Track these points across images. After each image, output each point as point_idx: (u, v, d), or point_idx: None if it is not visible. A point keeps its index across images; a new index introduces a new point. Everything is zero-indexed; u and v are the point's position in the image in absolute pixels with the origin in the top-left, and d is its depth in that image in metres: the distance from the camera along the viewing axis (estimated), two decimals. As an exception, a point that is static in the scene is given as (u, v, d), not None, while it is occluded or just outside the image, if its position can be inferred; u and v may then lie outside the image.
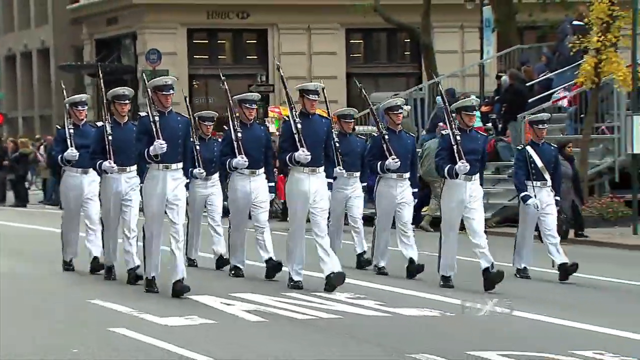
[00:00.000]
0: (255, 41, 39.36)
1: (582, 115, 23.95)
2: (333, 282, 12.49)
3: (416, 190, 14.73)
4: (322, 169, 12.78)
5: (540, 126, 14.50)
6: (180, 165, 12.31)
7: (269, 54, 38.37)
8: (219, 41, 39.63)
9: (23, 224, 25.73)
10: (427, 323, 11.05)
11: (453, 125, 13.04)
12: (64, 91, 15.53)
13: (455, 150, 12.82)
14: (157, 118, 11.99)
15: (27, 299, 12.65)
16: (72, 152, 14.04)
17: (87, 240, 14.66)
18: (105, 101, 13.63)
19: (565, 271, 14.14)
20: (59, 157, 14.27)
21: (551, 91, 25.55)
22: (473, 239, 13.14)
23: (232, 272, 14.33)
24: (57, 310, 11.93)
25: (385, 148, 14.07)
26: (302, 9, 37.69)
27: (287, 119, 13.06)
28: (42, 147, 35.97)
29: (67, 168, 14.42)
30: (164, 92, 12.24)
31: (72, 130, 14.19)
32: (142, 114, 12.28)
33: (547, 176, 14.10)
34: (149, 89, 12.25)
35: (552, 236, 14.29)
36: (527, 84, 25.51)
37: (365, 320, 11.18)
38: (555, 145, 15.44)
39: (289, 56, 37.10)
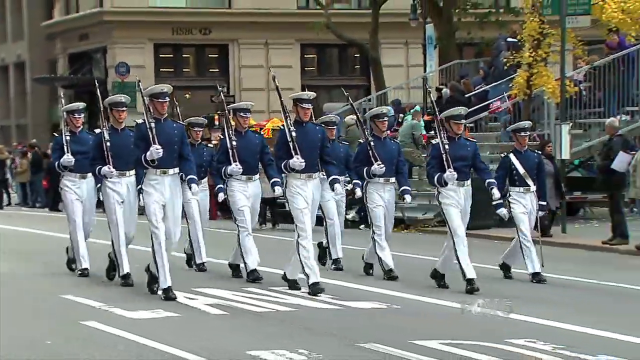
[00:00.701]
0: (217, 55, 39.31)
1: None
2: (318, 291, 12.09)
3: (408, 187, 14.19)
4: (317, 174, 12.36)
5: (522, 134, 13.92)
6: (177, 170, 11.84)
7: (229, 67, 38.40)
8: (183, 55, 39.57)
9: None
10: (376, 315, 11.05)
11: (442, 135, 12.55)
12: (62, 100, 15.02)
13: (444, 159, 12.36)
14: (153, 125, 11.58)
15: (1, 294, 12.50)
16: (67, 158, 13.49)
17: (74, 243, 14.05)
18: (102, 109, 13.19)
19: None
20: (56, 163, 13.73)
21: (488, 102, 25.72)
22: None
23: (249, 278, 13.37)
24: (31, 304, 11.82)
25: (371, 154, 13.55)
26: (260, 26, 37.66)
27: (280, 127, 12.71)
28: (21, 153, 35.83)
29: (65, 173, 13.79)
30: (159, 100, 11.83)
31: (68, 137, 13.64)
32: (139, 120, 11.85)
33: (530, 182, 13.62)
34: (144, 97, 11.86)
35: (526, 242, 13.63)
36: (466, 95, 25.62)
37: (319, 312, 11.18)
38: (539, 152, 14.98)
39: (249, 69, 37.22)
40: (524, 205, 13.57)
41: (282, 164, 12.08)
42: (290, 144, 11.95)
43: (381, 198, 13.73)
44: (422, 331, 9.96)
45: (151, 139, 11.47)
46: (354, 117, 12.53)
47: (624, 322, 10.59)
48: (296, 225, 12.18)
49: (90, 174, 13.50)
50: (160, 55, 38.65)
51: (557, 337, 9.56)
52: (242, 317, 11.05)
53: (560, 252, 17.48)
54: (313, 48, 38.74)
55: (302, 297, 11.99)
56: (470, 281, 12.39)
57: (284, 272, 12.68)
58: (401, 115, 26.82)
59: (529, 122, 15.72)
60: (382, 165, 13.43)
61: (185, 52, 39.38)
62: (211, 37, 38.40)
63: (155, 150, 11.39)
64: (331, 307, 11.52)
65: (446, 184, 12.40)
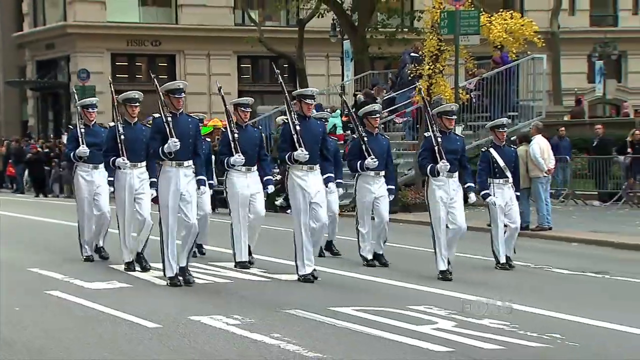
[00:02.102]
0: (166, 64, 39.12)
1: (417, 126, 24.30)
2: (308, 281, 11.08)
3: (392, 187, 13.07)
4: (318, 166, 11.30)
5: (501, 129, 12.95)
6: (191, 162, 10.74)
7: (176, 74, 38.18)
8: (136, 64, 39.26)
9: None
10: (300, 286, 11.07)
11: (435, 128, 11.61)
12: (76, 96, 14.00)
13: (437, 151, 11.42)
14: (169, 119, 10.57)
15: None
16: (83, 149, 12.57)
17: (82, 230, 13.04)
18: (115, 104, 12.35)
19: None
20: (72, 154, 12.77)
21: (395, 106, 25.97)
22: (452, 230, 11.70)
23: (237, 266, 12.19)
24: (2, 278, 11.64)
25: (364, 149, 12.46)
26: (203, 40, 37.59)
27: (284, 120, 11.68)
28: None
29: (79, 164, 12.83)
30: (175, 95, 10.77)
31: (83, 130, 12.72)
32: (156, 115, 10.82)
33: (508, 174, 12.76)
34: (161, 93, 10.83)
35: (515, 227, 12.91)
36: (376, 101, 25.73)
37: (251, 284, 11.16)
38: (515, 147, 14.28)
39: (193, 76, 37.01)
40: (502, 196, 12.72)
41: (287, 156, 11.05)
42: (295, 136, 10.97)
43: (371, 190, 12.66)
44: (339, 300, 10.01)
45: (168, 132, 10.47)
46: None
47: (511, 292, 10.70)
48: (294, 217, 11.25)
49: (102, 165, 12.69)
50: (117, 63, 38.33)
51: (452, 304, 9.64)
52: (185, 288, 10.98)
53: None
54: (248, 59, 38.69)
55: (237, 271, 11.94)
56: (442, 272, 11.58)
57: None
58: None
59: (506, 119, 14.60)
60: (375, 159, 12.40)
61: (138, 60, 39.09)
62: (161, 48, 38.18)
63: (173, 143, 10.38)
64: (262, 279, 11.52)
65: (438, 174, 11.48)
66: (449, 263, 11.69)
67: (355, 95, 27.18)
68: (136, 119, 12.07)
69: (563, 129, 24.44)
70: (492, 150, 12.96)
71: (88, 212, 12.86)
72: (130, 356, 7.51)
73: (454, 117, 12.00)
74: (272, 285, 11.21)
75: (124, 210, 12.01)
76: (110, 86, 13.11)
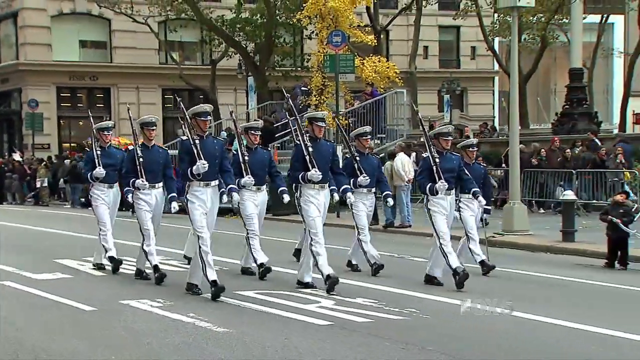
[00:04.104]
0: (102, 95, 38.35)
1: (269, 148, 24.31)
2: (333, 284, 9.42)
3: (390, 191, 11.99)
4: (327, 185, 9.76)
5: (471, 149, 11.52)
6: (217, 181, 9.30)
7: (111, 104, 37.63)
8: (77, 95, 38.42)
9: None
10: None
11: (432, 150, 10.13)
12: (92, 120, 12.12)
13: (435, 171, 10.01)
14: (197, 141, 9.14)
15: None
16: (100, 171, 11.08)
17: (103, 240, 11.33)
18: (133, 128, 10.86)
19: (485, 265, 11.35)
20: (88, 174, 11.26)
21: (288, 130, 25.95)
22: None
23: (260, 272, 10.55)
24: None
25: (356, 167, 11.13)
26: (133, 75, 36.90)
27: (297, 142, 10.00)
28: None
29: (95, 184, 11.28)
30: (202, 118, 9.30)
31: (99, 152, 11.24)
32: (184, 137, 9.32)
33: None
34: (187, 116, 9.37)
35: (473, 237, 11.24)
36: (275, 125, 25.78)
37: (172, 274, 10.65)
38: (485, 165, 12.85)
39: (125, 106, 36.44)
40: (471, 209, 11.15)
41: (300, 176, 9.62)
42: (307, 157, 9.59)
43: (364, 205, 11.35)
44: (244, 285, 9.94)
45: (196, 154, 9.05)
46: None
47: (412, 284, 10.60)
48: (309, 231, 9.62)
49: (116, 184, 11.27)
50: (61, 95, 37.40)
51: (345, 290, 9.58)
52: (117, 277, 10.79)
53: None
54: (170, 91, 38.13)
55: (161, 263, 11.63)
56: (456, 271, 9.93)
57: (298, 279, 10.00)
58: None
59: (475, 139, 13.25)
60: (367, 177, 11.09)
61: (79, 92, 38.30)
62: (98, 82, 37.44)
63: (202, 165, 8.97)
64: (181, 269, 11.33)
65: (437, 192, 10.06)
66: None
67: (256, 121, 27.11)
68: (154, 142, 10.64)
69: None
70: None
71: (108, 226, 11.28)
72: (72, 335, 7.33)
73: (451, 137, 10.56)
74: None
75: (147, 227, 10.34)
76: (128, 112, 11.80)
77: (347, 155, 11.70)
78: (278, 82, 31.71)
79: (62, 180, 29.41)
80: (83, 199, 27.55)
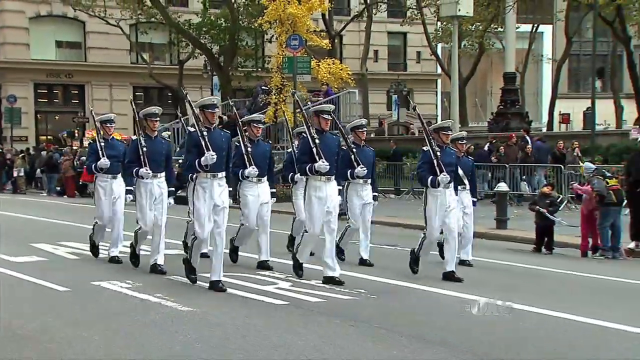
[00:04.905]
0: (77, 92, 37.80)
1: (269, 141, 24.27)
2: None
3: (376, 193, 10.79)
4: (333, 177, 9.00)
5: (461, 142, 10.71)
6: (224, 173, 8.53)
7: (85, 100, 37.08)
8: (54, 91, 37.84)
9: None
10: (178, 257, 10.72)
11: (433, 143, 9.34)
12: (93, 114, 11.39)
13: (436, 164, 9.22)
14: (205, 133, 8.35)
15: None
16: (104, 162, 10.34)
17: (97, 232, 10.83)
18: (137, 119, 10.25)
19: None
20: (92, 165, 10.53)
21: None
22: (449, 235, 9.43)
23: (258, 267, 9.93)
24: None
25: (353, 159, 10.14)
26: (106, 74, 36.39)
27: (303, 135, 9.30)
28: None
29: (99, 175, 10.55)
30: (210, 110, 8.52)
31: (102, 144, 10.49)
32: (191, 129, 8.52)
33: (466, 182, 10.68)
34: (195, 108, 8.61)
35: (469, 234, 10.76)
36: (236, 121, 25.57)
37: (141, 258, 10.63)
38: (473, 158, 12.04)
39: (98, 102, 36.13)
40: (461, 202, 10.34)
41: (307, 167, 8.83)
42: (314, 149, 8.80)
43: (360, 196, 10.47)
44: (207, 267, 9.82)
45: (204, 146, 8.27)
46: (169, 132, 9.19)
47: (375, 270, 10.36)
48: (308, 222, 8.97)
49: (119, 175, 10.51)
50: (38, 91, 36.80)
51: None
52: (89, 261, 10.62)
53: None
54: (141, 89, 37.85)
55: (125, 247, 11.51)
56: (415, 271, 9.59)
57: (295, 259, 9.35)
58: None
59: (465, 132, 12.34)
60: (364, 168, 10.15)
61: (55, 89, 37.72)
62: (73, 79, 36.92)
63: (210, 156, 8.20)
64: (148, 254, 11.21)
65: (439, 185, 9.26)
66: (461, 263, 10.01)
67: (220, 117, 26.89)
68: (156, 133, 9.99)
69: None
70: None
71: (107, 217, 10.58)
72: (46, 313, 7.20)
73: (450, 132, 9.88)
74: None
75: (144, 218, 9.70)
76: (132, 104, 10.99)
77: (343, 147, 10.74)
78: (240, 81, 31.62)
79: (38, 170, 29.02)
80: (58, 188, 27.15)
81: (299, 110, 9.50)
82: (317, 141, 8.84)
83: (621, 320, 7.05)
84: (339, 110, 26.53)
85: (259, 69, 32.75)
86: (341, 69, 24.81)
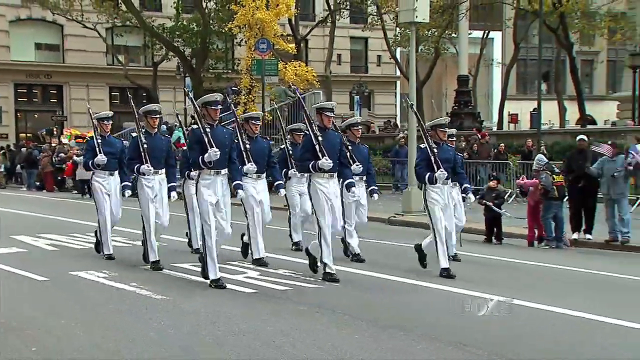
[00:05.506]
0: (55, 92, 37.20)
1: (267, 138, 24.01)
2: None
3: (376, 187, 10.13)
4: (336, 174, 8.48)
5: (450, 139, 9.98)
6: (226, 170, 7.99)
7: (64, 99, 36.53)
8: (33, 91, 37.19)
9: None
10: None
11: (430, 140, 8.91)
12: (91, 111, 10.79)
13: (434, 161, 8.78)
14: (208, 130, 7.83)
15: None
16: (102, 158, 9.75)
17: (102, 234, 10.03)
18: (137, 116, 9.71)
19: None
20: (90, 162, 9.90)
21: (223, 123, 25.56)
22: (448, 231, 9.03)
23: (255, 263, 9.29)
24: None
25: (349, 156, 9.20)
26: (83, 75, 35.84)
27: (305, 132, 8.81)
28: None
29: (96, 171, 9.92)
30: (213, 107, 7.95)
31: (99, 140, 9.89)
32: (194, 126, 8.10)
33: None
34: (197, 105, 8.02)
35: (459, 225, 10.29)
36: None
37: (116, 249, 10.48)
38: (462, 155, 11.34)
39: (76, 101, 35.71)
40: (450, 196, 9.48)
41: (310, 165, 8.28)
42: (317, 147, 8.25)
43: (354, 194, 9.45)
44: (181, 258, 9.71)
45: (207, 142, 7.76)
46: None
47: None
48: (317, 219, 8.37)
49: (116, 172, 9.95)
50: (18, 91, 36.12)
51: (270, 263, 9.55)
52: (67, 252, 10.48)
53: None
54: (117, 89, 37.34)
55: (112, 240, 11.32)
56: (445, 269, 8.80)
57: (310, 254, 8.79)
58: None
59: (454, 129, 11.34)
60: (360, 165, 9.44)
61: (34, 89, 37.09)
62: (52, 80, 36.29)
63: (214, 153, 7.70)
64: (125, 245, 11.09)
65: (437, 181, 8.82)
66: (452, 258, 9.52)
67: (193, 117, 26.69)
68: (156, 130, 9.54)
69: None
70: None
71: (106, 213, 9.94)
72: (26, 301, 7.09)
73: (447, 129, 9.37)
74: (131, 250, 10.69)
75: (147, 212, 9.19)
76: (131, 101, 10.38)
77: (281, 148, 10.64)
78: (212, 82, 31.36)
79: (18, 166, 28.62)
80: (37, 183, 26.71)
81: (302, 109, 9.06)
82: (319, 138, 8.28)
83: (573, 306, 7.12)
84: (305, 109, 26.52)
85: (229, 71, 32.57)
86: (307, 71, 24.80)
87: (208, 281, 7.89)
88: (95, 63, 36.16)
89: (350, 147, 9.50)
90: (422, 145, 9.04)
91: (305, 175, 8.68)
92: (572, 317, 6.77)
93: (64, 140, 29.17)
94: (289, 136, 10.83)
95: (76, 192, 24.01)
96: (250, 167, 8.97)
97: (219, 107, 8.05)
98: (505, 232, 13.17)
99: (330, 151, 8.29)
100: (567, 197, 13.03)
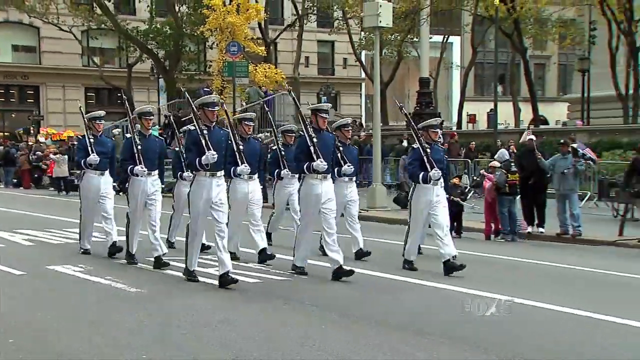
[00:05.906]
0: (32, 92, 36.56)
1: (259, 139, 23.73)
2: (341, 274, 7.99)
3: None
4: (330, 175, 8.18)
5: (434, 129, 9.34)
6: (223, 172, 7.67)
7: (40, 99, 35.91)
8: (10, 91, 36.47)
9: None
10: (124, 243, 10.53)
11: (422, 141, 8.65)
12: (82, 109, 10.11)
13: (427, 161, 8.52)
14: (205, 132, 7.42)
15: None
16: (94, 157, 9.35)
17: (106, 229, 9.63)
18: (131, 118, 9.33)
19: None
20: (82, 161, 9.49)
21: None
22: (437, 231, 8.68)
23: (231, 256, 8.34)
24: None
25: (340, 157, 9.05)
26: (59, 76, 35.25)
27: (300, 133, 8.39)
28: None
29: (87, 170, 9.51)
30: (209, 108, 7.54)
31: (92, 140, 9.45)
32: (191, 127, 7.53)
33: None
34: (194, 106, 7.60)
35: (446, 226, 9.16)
36: (181, 120, 25.13)
37: (92, 244, 10.41)
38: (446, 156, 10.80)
39: (52, 101, 35.20)
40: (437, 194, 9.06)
41: (304, 166, 7.98)
42: (312, 148, 7.93)
43: (346, 195, 9.47)
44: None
45: (204, 144, 7.36)
46: (119, 130, 8.56)
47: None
48: (301, 219, 8.32)
49: (107, 171, 9.62)
50: (-5, 91, 35.70)
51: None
52: (45, 247, 10.31)
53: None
54: (93, 90, 36.86)
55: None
56: (409, 262, 8.84)
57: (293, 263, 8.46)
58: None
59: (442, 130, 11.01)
60: (351, 166, 9.12)
61: (11, 89, 36.42)
62: (29, 81, 35.65)
63: (211, 156, 7.30)
64: (100, 240, 10.92)
65: (430, 180, 8.53)
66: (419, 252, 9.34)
67: (167, 116, 26.47)
68: (150, 131, 9.17)
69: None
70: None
71: (92, 212, 9.67)
72: (3, 295, 6.89)
73: (438, 130, 9.08)
74: (107, 245, 10.60)
75: (135, 214, 8.94)
76: (125, 103, 10.05)
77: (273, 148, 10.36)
78: (184, 84, 31.09)
79: (-4, 164, 27.96)
80: (15, 180, 26.24)
81: (298, 111, 8.80)
82: (314, 140, 7.97)
83: (530, 296, 7.21)
84: (274, 110, 26.49)
85: (202, 73, 32.33)
86: (276, 73, 24.76)
87: (182, 275, 7.83)
88: (71, 64, 35.67)
89: (341, 148, 9.25)
90: (414, 146, 8.81)
91: (296, 175, 8.26)
92: (545, 309, 6.86)
93: (41, 139, 28.70)
94: (280, 137, 10.49)
95: (53, 189, 23.66)
96: (244, 168, 8.32)
97: (217, 108, 7.72)
98: (465, 226, 13.30)
99: (324, 153, 8.00)
100: (519, 195, 13.20)
